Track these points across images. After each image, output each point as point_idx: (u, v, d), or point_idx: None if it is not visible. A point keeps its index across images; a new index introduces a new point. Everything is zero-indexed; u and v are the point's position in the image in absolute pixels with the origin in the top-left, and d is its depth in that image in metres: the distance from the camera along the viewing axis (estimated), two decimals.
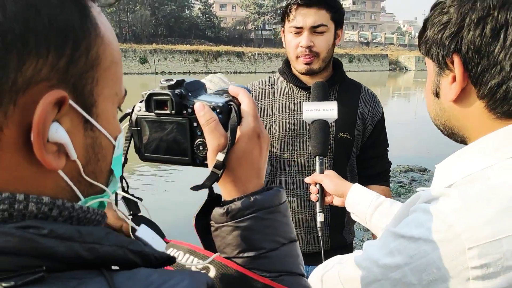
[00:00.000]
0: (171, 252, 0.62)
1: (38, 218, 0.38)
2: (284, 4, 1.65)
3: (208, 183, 0.58)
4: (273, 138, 1.68)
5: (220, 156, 0.57)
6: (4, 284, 0.33)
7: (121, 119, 0.59)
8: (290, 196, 1.66)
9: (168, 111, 0.60)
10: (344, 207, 1.22)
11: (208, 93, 0.65)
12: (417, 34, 0.89)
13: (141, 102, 0.62)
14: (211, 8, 61.22)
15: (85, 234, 0.38)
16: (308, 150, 1.62)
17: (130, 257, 0.41)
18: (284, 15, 1.65)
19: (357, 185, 1.22)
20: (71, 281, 0.36)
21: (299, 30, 1.60)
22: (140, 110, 0.62)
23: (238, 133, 0.59)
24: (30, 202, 0.37)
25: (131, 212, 0.66)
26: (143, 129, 0.62)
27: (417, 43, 0.86)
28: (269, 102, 1.72)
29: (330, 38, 1.62)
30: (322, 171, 1.26)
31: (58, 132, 0.39)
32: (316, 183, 1.25)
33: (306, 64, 1.60)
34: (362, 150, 1.72)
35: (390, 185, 1.82)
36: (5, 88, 0.35)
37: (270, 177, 1.71)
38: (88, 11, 0.42)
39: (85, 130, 0.43)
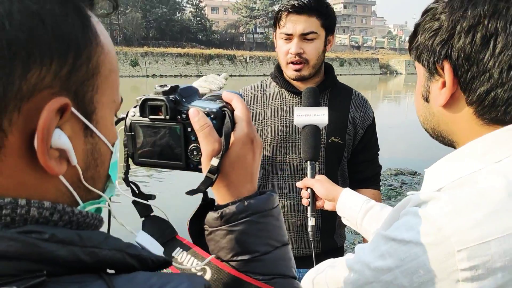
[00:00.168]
0: (178, 251, 0.63)
1: (40, 223, 0.38)
2: (275, 8, 1.66)
3: (202, 188, 0.59)
4: (265, 142, 1.69)
5: (214, 161, 0.58)
6: None
7: (115, 124, 0.60)
8: (282, 200, 1.67)
9: (162, 117, 0.60)
10: (335, 211, 1.23)
11: (202, 98, 0.66)
12: (407, 38, 0.90)
13: (135, 107, 0.63)
14: (202, 11, 61.15)
15: (85, 239, 0.39)
16: (300, 154, 1.63)
17: (128, 261, 0.41)
18: (275, 21, 1.67)
19: (347, 189, 1.23)
20: (71, 285, 0.37)
21: (289, 37, 1.61)
22: (134, 115, 0.63)
23: (231, 138, 0.60)
24: (32, 207, 0.38)
25: (142, 215, 0.66)
26: (137, 134, 0.63)
27: (407, 47, 0.87)
28: (261, 107, 1.73)
29: (320, 45, 1.62)
30: (313, 176, 1.27)
31: (61, 139, 0.40)
32: (307, 188, 1.26)
33: (296, 70, 1.61)
34: (353, 154, 1.74)
35: (381, 188, 1.84)
36: (10, 95, 0.36)
37: (262, 181, 1.71)
38: (89, 21, 0.43)
39: (85, 136, 0.44)
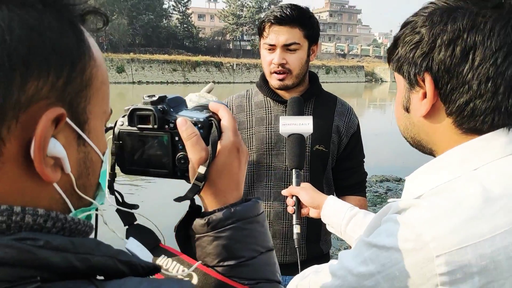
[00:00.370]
0: (162, 258, 0.64)
1: (34, 230, 0.39)
2: (262, 15, 1.68)
3: (190, 195, 0.61)
4: (250, 151, 1.70)
5: (202, 169, 0.60)
6: None
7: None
8: (267, 208, 1.69)
9: (150, 126, 0.62)
10: (321, 219, 1.25)
11: (189, 108, 0.67)
12: None
13: (123, 117, 0.64)
14: (189, 18, 61.08)
15: (78, 245, 0.40)
16: (285, 163, 1.65)
17: (119, 267, 0.42)
18: (259, 31, 1.69)
19: (332, 197, 1.25)
20: None
21: (272, 47, 1.62)
22: (122, 124, 0.64)
23: (218, 147, 0.62)
24: (26, 214, 0.39)
25: (125, 223, 0.67)
26: (125, 143, 0.64)
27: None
28: (247, 116, 1.75)
29: (303, 56, 1.64)
30: (298, 184, 1.29)
31: (56, 147, 0.42)
32: (292, 195, 1.28)
33: (279, 80, 1.63)
34: (338, 161, 1.76)
35: (367, 195, 1.87)
36: (9, 105, 0.38)
37: (248, 189, 1.73)
38: (83, 35, 0.45)
39: (78, 145, 0.45)
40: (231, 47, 64.18)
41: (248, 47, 62.20)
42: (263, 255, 0.62)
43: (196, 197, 0.63)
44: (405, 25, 0.81)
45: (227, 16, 63.57)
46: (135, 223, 0.68)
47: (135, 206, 0.67)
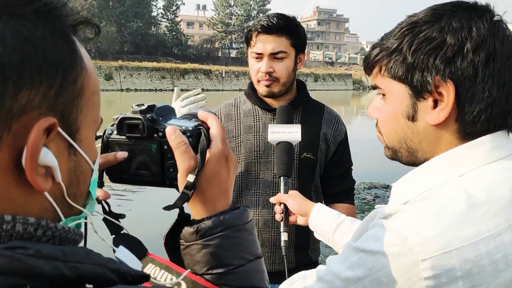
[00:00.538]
0: (150, 267, 0.64)
1: (24, 238, 0.40)
2: (251, 24, 1.70)
3: (179, 203, 0.61)
4: (239, 159, 1.71)
5: (191, 178, 0.60)
6: None
7: None
8: (256, 216, 1.69)
9: (139, 135, 0.62)
10: (309, 226, 1.25)
11: (178, 117, 0.68)
12: None
13: (112, 125, 0.64)
14: (178, 26, 61.11)
15: (68, 254, 0.40)
16: (273, 170, 1.65)
17: (109, 275, 0.42)
18: (246, 40, 1.70)
19: (319, 204, 1.25)
20: None
21: (259, 56, 1.64)
22: (111, 133, 0.64)
23: (207, 155, 0.62)
24: (17, 223, 0.39)
25: (112, 233, 0.67)
26: (114, 151, 0.65)
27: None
28: (235, 124, 1.75)
29: (290, 64, 1.66)
30: (286, 191, 1.29)
31: (48, 156, 0.42)
32: (280, 203, 1.28)
33: (267, 86, 1.64)
34: (326, 169, 1.77)
35: (355, 201, 1.88)
36: (1, 114, 0.38)
37: (236, 197, 1.73)
38: (75, 45, 0.46)
39: (69, 154, 0.46)
40: (220, 55, 64.28)
41: (237, 55, 62.31)
42: (252, 263, 0.63)
43: (185, 205, 0.63)
44: (406, 31, 0.78)
45: (216, 24, 63.75)
46: (122, 232, 0.68)
47: (121, 216, 0.68)
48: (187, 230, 0.61)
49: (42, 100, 0.41)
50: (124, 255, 0.58)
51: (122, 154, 0.65)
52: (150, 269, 0.64)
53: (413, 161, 0.84)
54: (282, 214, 1.27)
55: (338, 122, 1.79)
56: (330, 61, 67.99)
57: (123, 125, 0.63)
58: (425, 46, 0.75)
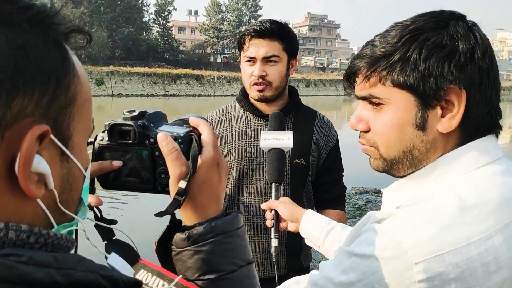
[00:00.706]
0: (142, 273, 0.64)
1: (16, 245, 0.40)
2: (243, 29, 1.71)
3: (170, 210, 0.61)
4: (231, 165, 1.70)
5: (182, 184, 0.60)
6: None
7: None
8: (248, 222, 1.68)
9: (130, 141, 0.63)
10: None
11: (169, 123, 0.68)
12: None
13: (103, 132, 0.64)
14: (169, 31, 61.06)
15: (60, 261, 0.40)
16: (265, 176, 1.65)
17: (101, 282, 0.42)
18: (239, 44, 1.71)
19: (310, 211, 1.25)
20: None
21: (252, 60, 1.65)
22: (102, 139, 0.64)
23: (198, 161, 0.62)
24: (10, 230, 0.39)
25: (104, 239, 0.67)
26: (105, 158, 0.65)
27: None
28: (227, 130, 1.75)
29: (282, 68, 1.67)
30: (277, 198, 1.29)
31: (41, 164, 0.42)
32: (271, 209, 1.28)
33: (259, 91, 1.65)
34: (317, 175, 1.77)
35: (346, 207, 1.88)
36: None
37: (228, 203, 1.72)
38: (68, 53, 0.46)
39: (61, 161, 0.46)
40: (211, 60, 64.31)
41: (229, 60, 62.35)
42: (243, 269, 0.63)
43: (177, 212, 0.63)
44: (410, 38, 0.76)
45: (207, 30, 63.84)
46: (113, 238, 0.68)
47: (113, 222, 0.67)
48: (178, 236, 0.62)
49: (35, 107, 0.41)
50: (116, 261, 0.58)
51: (117, 163, 0.65)
52: (142, 275, 0.64)
53: (410, 172, 0.82)
54: (273, 221, 1.27)
55: (329, 128, 1.80)
56: (322, 66, 68.33)
57: (114, 131, 0.63)
58: (437, 53, 0.73)
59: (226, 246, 0.61)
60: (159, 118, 0.67)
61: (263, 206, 1.31)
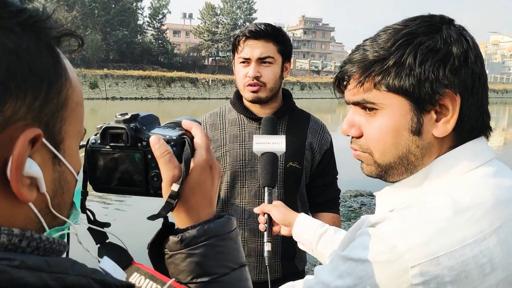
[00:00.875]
0: (135, 276, 0.64)
1: (8, 249, 0.39)
2: (237, 32, 1.72)
3: (163, 213, 0.61)
4: (224, 168, 1.70)
5: (175, 187, 0.60)
6: None
7: None
8: (242, 225, 1.68)
9: (123, 144, 0.62)
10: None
11: (162, 126, 0.68)
12: None
13: (95, 135, 0.64)
14: (164, 34, 61.03)
15: (52, 265, 0.40)
16: (259, 180, 1.65)
17: (94, 286, 0.42)
18: (233, 47, 1.71)
19: (302, 214, 1.25)
20: None
21: (247, 61, 1.66)
22: (95, 142, 0.64)
23: (191, 164, 0.62)
24: (1, 234, 0.39)
25: (97, 242, 0.67)
26: (98, 161, 0.64)
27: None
28: (220, 133, 1.75)
29: (277, 70, 1.68)
30: (270, 201, 1.29)
31: (32, 167, 0.42)
32: (264, 213, 1.28)
33: (253, 92, 1.65)
34: (311, 178, 1.77)
35: (341, 209, 1.88)
36: None
37: (222, 207, 1.72)
38: (60, 57, 0.46)
39: (53, 165, 0.46)
40: (206, 63, 64.29)
41: (224, 63, 62.37)
42: (236, 271, 0.63)
43: (170, 214, 0.63)
44: (404, 42, 0.75)
45: (202, 33, 63.87)
46: (107, 241, 0.67)
47: (106, 224, 0.67)
48: (171, 239, 0.62)
49: (27, 111, 0.41)
50: (109, 265, 0.57)
51: None
52: (135, 278, 0.63)
53: (404, 177, 0.82)
54: (265, 225, 1.26)
55: (323, 131, 1.80)
56: (316, 69, 68.50)
57: (106, 134, 0.63)
58: (432, 57, 0.73)
59: (219, 249, 0.62)
60: (152, 121, 0.66)
61: (256, 210, 1.31)
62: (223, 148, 1.72)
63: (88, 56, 45.18)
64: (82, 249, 0.56)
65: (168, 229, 0.65)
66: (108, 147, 0.63)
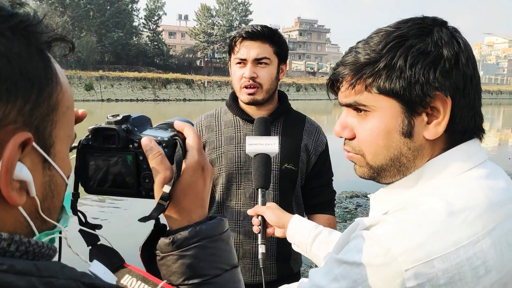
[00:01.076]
0: (127, 278, 0.63)
1: None
2: (233, 34, 1.72)
3: (155, 214, 0.61)
4: (220, 170, 1.70)
5: (166, 188, 0.60)
6: None
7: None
8: (237, 227, 1.67)
9: (114, 146, 0.62)
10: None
11: (153, 127, 0.68)
12: None
13: (87, 136, 0.64)
14: (159, 36, 60.88)
15: (42, 269, 0.40)
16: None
17: None
18: (230, 48, 1.71)
19: (297, 216, 1.25)
20: None
21: (243, 62, 1.66)
22: (86, 144, 0.64)
23: (183, 166, 0.62)
24: None
25: (89, 244, 0.67)
26: (89, 163, 0.64)
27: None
28: (216, 135, 1.74)
29: (273, 71, 1.68)
30: (264, 203, 1.29)
31: (22, 171, 0.42)
32: (258, 215, 1.28)
33: (250, 94, 1.65)
34: (306, 180, 1.77)
35: (337, 211, 1.88)
36: None
37: (217, 208, 1.71)
38: (50, 61, 0.46)
39: (44, 169, 0.46)
40: (202, 65, 64.22)
41: (220, 65, 62.35)
42: (228, 273, 0.63)
43: (161, 216, 0.63)
44: (395, 45, 0.75)
45: (198, 34, 63.81)
46: (98, 243, 0.67)
47: (97, 226, 0.67)
48: (163, 241, 0.62)
49: (17, 115, 0.41)
50: (98, 269, 0.57)
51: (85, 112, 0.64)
52: (127, 280, 0.63)
53: (397, 179, 0.82)
54: (259, 227, 1.26)
55: (319, 133, 1.80)
56: (312, 71, 68.59)
57: (98, 135, 0.63)
58: (422, 59, 0.73)
59: (211, 250, 0.62)
60: (143, 122, 0.66)
61: (250, 212, 1.31)
62: (219, 150, 1.72)
63: (83, 58, 45.03)
64: (74, 253, 0.56)
65: (160, 230, 0.65)
66: (99, 148, 0.63)
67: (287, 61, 1.78)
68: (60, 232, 0.51)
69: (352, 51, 0.81)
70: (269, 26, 1.70)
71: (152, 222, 0.65)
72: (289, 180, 1.71)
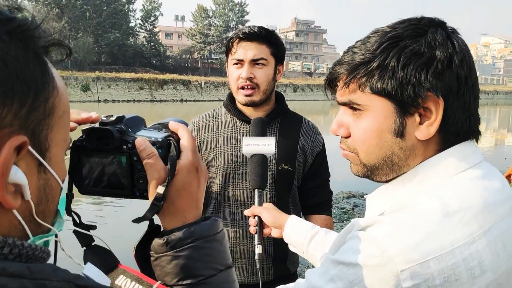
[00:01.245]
0: (121, 279, 0.63)
1: None
2: (230, 34, 1.72)
3: (149, 215, 0.61)
4: (217, 170, 1.70)
5: (160, 189, 0.60)
6: None
7: None
8: (234, 228, 1.67)
9: (108, 146, 0.62)
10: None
11: (147, 128, 0.68)
12: None
13: (81, 137, 0.64)
14: (156, 37, 60.88)
15: (34, 271, 0.40)
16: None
17: None
18: (227, 48, 1.71)
19: (293, 216, 1.25)
20: None
21: (240, 63, 1.66)
22: (80, 145, 0.64)
23: (177, 166, 0.62)
24: None
25: (83, 244, 0.67)
26: (83, 163, 0.64)
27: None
28: (213, 135, 1.74)
29: (270, 72, 1.68)
30: (260, 204, 1.29)
31: (18, 175, 0.42)
32: (255, 216, 1.27)
33: (247, 95, 1.65)
34: (303, 180, 1.77)
35: (334, 211, 1.88)
36: None
37: (214, 209, 1.71)
38: (47, 66, 0.47)
39: (39, 172, 0.46)
40: (199, 66, 64.18)
41: (216, 66, 62.33)
42: (222, 273, 0.63)
43: (156, 217, 0.63)
44: (389, 45, 0.76)
45: (194, 35, 63.76)
46: (93, 244, 0.67)
47: (92, 227, 0.67)
48: (157, 242, 0.62)
49: (13, 118, 0.41)
50: (92, 271, 0.57)
51: (97, 116, 0.64)
52: (121, 281, 0.63)
53: (391, 178, 0.83)
54: (256, 227, 1.26)
55: (315, 134, 1.80)
56: (309, 71, 68.68)
57: (92, 136, 0.63)
58: (415, 60, 0.74)
59: (205, 251, 0.62)
60: (137, 123, 0.66)
61: (246, 212, 1.31)
62: (216, 150, 1.72)
63: (80, 59, 44.91)
64: (68, 257, 0.56)
65: (154, 231, 0.65)
66: (93, 149, 0.63)
67: (284, 62, 1.78)
68: (56, 236, 0.51)
69: (349, 51, 0.82)
70: (266, 27, 1.71)
71: (146, 223, 0.65)
72: (285, 181, 1.71)
